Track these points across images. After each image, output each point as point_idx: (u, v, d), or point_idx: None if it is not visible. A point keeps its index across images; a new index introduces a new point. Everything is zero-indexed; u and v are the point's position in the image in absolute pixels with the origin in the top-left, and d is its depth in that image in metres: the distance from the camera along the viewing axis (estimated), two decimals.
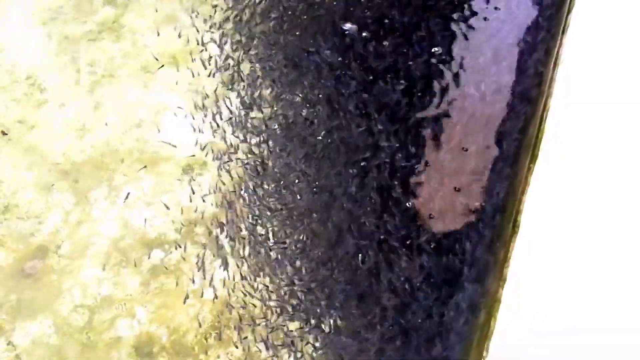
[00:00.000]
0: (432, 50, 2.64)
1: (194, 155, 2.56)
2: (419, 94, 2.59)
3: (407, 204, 2.42)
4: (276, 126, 2.60)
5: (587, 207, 1.95)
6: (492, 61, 2.53)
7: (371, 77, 2.60)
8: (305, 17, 2.74)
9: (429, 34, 2.69)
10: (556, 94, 2.10)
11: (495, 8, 2.63)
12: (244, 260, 2.42)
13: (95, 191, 2.53)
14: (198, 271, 2.40)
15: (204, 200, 2.50)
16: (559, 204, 1.97)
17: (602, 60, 2.14)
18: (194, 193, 2.51)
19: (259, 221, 2.47)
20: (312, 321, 2.33)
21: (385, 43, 2.64)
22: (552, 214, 1.96)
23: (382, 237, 2.40)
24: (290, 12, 2.76)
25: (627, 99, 2.06)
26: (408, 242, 2.38)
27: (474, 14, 2.64)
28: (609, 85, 2.10)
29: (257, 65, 2.69)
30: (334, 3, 2.74)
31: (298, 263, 2.40)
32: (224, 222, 2.47)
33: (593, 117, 2.07)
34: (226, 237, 2.45)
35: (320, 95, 2.58)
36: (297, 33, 2.73)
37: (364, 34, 2.64)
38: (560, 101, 2.08)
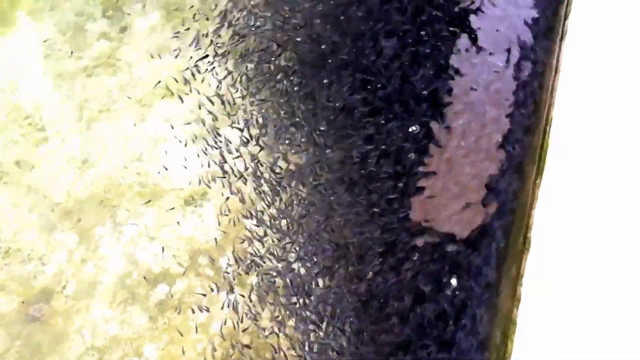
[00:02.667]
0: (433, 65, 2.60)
1: (195, 186, 2.53)
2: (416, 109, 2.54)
3: (413, 220, 2.37)
4: (276, 154, 2.56)
5: (599, 220, 1.88)
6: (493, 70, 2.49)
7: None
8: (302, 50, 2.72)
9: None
10: (558, 103, 2.04)
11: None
12: (250, 289, 2.38)
13: (98, 228, 2.51)
14: (204, 304, 2.36)
15: (206, 231, 2.47)
16: (569, 216, 1.91)
17: (601, 67, 2.09)
18: (196, 224, 2.48)
19: (264, 248, 2.42)
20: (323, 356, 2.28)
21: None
22: (562, 226, 1.90)
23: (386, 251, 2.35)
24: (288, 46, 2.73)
25: (628, 104, 2.01)
26: (415, 261, 2.32)
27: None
28: (610, 92, 2.05)
29: (255, 95, 2.65)
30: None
31: (307, 288, 2.35)
32: (228, 251, 2.43)
33: (596, 124, 2.01)
34: (231, 266, 2.41)
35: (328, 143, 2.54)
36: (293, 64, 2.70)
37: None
38: (563, 111, 2.03)
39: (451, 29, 2.57)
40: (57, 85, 2.74)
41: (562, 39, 2.23)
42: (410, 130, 2.48)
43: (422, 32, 2.62)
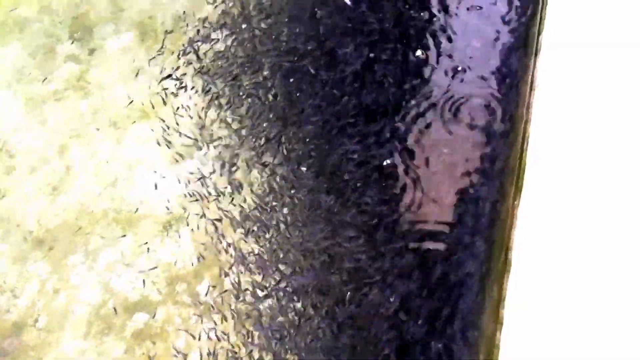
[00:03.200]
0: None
1: (172, 211, 2.47)
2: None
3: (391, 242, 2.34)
4: (254, 175, 2.52)
5: (580, 238, 1.87)
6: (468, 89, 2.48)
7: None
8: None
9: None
10: (534, 119, 2.03)
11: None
12: (231, 314, 2.33)
13: (72, 257, 2.44)
14: (183, 332, 2.30)
15: (184, 257, 2.41)
16: (550, 236, 1.89)
17: (577, 82, 2.09)
18: (174, 250, 2.42)
19: (243, 273, 2.37)
20: None
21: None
22: (544, 248, 1.88)
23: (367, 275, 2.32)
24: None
25: (606, 120, 2.01)
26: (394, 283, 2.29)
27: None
28: (587, 108, 2.04)
29: (228, 113, 2.61)
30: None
31: (289, 317, 2.30)
32: (207, 277, 2.38)
33: (574, 140, 2.01)
34: (209, 293, 2.36)
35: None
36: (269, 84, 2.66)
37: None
38: (539, 127, 2.01)
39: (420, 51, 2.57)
40: (27, 110, 2.68)
41: (536, 54, 2.22)
42: (384, 149, 2.45)
43: (394, 51, 2.61)
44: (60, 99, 2.69)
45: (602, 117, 2.02)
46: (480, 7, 2.61)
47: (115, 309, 2.32)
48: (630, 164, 1.96)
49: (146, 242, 2.43)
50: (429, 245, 2.26)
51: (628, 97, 2.06)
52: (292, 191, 2.45)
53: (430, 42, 2.61)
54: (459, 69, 2.52)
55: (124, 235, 2.44)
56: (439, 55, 2.56)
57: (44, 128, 2.65)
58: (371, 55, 2.60)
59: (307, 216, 2.40)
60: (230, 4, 2.79)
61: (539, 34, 2.24)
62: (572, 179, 1.95)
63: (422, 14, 2.66)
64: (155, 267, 2.38)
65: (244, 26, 2.75)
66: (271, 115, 2.57)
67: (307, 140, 2.51)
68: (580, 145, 2.00)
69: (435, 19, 2.64)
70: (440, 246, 2.24)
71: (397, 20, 2.69)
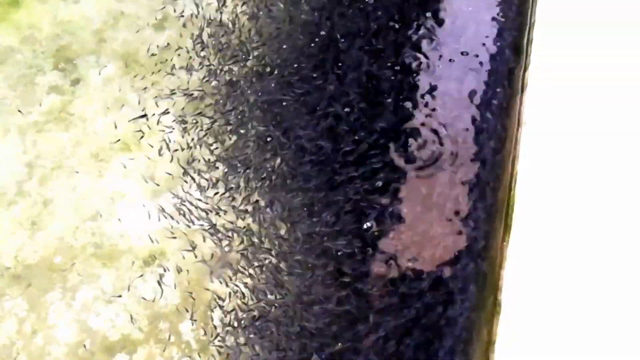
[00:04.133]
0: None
1: (154, 245, 2.41)
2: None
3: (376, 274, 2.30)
4: (239, 208, 2.47)
5: (572, 280, 1.84)
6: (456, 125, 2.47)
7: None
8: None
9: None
10: (522, 156, 2.02)
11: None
12: (217, 350, 2.26)
13: (49, 294, 2.36)
14: None
15: (166, 293, 2.35)
16: (541, 276, 1.87)
17: (563, 118, 2.08)
18: (155, 286, 2.36)
19: (226, 311, 2.31)
20: None
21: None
22: (535, 288, 1.85)
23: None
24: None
25: (592, 156, 2.00)
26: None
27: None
28: (573, 143, 2.04)
29: (212, 147, 2.58)
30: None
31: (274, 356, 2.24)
32: (190, 313, 2.31)
33: (561, 177, 1.99)
34: (192, 332, 2.29)
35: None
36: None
37: None
38: (527, 164, 2.00)
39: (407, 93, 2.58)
40: (7, 142, 2.61)
41: (523, 90, 2.22)
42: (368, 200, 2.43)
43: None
44: (41, 130, 2.64)
45: (589, 153, 2.02)
46: (467, 53, 2.63)
47: (92, 352, 2.23)
48: (619, 201, 1.95)
49: (128, 278, 2.36)
50: (416, 285, 2.22)
51: (614, 133, 2.06)
52: (279, 230, 2.40)
53: (414, 80, 2.61)
54: (443, 107, 2.52)
55: (105, 270, 2.37)
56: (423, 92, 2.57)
57: (24, 160, 2.59)
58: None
59: (293, 259, 2.35)
60: (214, 40, 2.78)
61: (525, 70, 2.24)
62: (562, 216, 1.94)
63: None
64: (137, 304, 2.31)
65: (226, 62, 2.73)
66: (256, 151, 2.54)
67: (292, 190, 2.48)
68: (568, 182, 1.99)
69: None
70: (427, 287, 2.21)
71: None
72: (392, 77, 2.63)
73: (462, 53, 2.61)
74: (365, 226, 2.31)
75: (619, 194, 1.97)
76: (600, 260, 1.86)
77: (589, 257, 1.88)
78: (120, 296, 2.33)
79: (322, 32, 2.75)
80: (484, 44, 2.61)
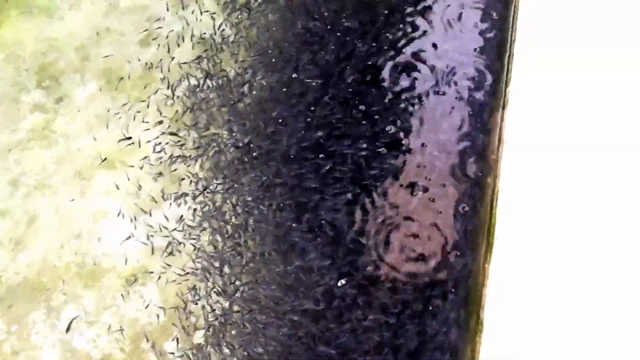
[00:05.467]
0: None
1: (136, 264, 2.40)
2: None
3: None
4: (220, 226, 2.46)
5: (554, 297, 1.84)
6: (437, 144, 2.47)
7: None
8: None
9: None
10: (503, 174, 2.02)
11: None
12: None
13: (32, 315, 2.34)
14: None
15: (149, 312, 2.33)
16: (522, 293, 1.86)
17: (545, 136, 2.09)
18: (138, 305, 2.34)
19: (210, 332, 2.29)
20: None
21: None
22: (517, 306, 1.84)
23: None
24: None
25: (574, 174, 2.00)
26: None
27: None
28: (555, 162, 2.04)
29: (196, 166, 2.57)
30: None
31: None
32: (172, 334, 2.30)
33: (543, 195, 1.99)
34: (177, 350, 2.27)
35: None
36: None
37: None
38: (508, 182, 2.00)
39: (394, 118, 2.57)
40: None
41: (504, 107, 2.22)
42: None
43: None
44: (24, 148, 2.63)
45: (571, 171, 2.02)
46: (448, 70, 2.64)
47: None
48: (601, 218, 1.95)
49: (110, 298, 2.34)
50: (398, 303, 2.21)
51: (597, 149, 2.06)
52: (259, 252, 2.39)
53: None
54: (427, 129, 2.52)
55: (88, 290, 2.35)
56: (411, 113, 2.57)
57: (6, 179, 2.57)
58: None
59: (275, 274, 2.34)
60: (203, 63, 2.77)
61: (506, 86, 2.24)
62: (544, 234, 1.93)
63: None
64: (119, 324, 2.29)
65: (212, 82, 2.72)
66: (239, 171, 2.53)
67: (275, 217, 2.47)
68: (550, 200, 1.99)
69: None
70: (410, 304, 2.20)
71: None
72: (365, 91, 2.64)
73: (442, 71, 2.61)
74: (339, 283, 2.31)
75: (601, 211, 1.97)
76: (582, 278, 1.86)
77: (571, 274, 1.88)
78: (102, 316, 2.31)
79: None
80: (463, 60, 2.62)
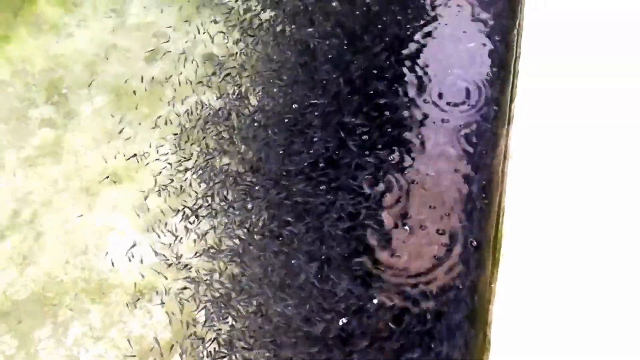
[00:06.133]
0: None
1: (143, 279, 2.40)
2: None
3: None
4: (229, 243, 2.47)
5: (562, 317, 1.83)
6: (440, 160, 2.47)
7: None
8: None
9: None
10: (509, 190, 2.02)
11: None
12: None
13: (39, 330, 2.35)
14: None
15: (156, 329, 2.33)
16: (529, 311, 1.85)
17: (551, 151, 2.09)
18: (145, 321, 2.34)
19: (217, 347, 2.29)
20: None
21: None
22: (524, 324, 1.83)
23: None
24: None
25: (580, 190, 1.99)
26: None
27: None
28: (561, 178, 2.03)
29: (203, 183, 2.58)
30: None
31: None
32: (178, 351, 2.29)
33: (549, 211, 1.99)
34: None
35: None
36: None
37: None
38: (515, 198, 2.00)
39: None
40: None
41: (509, 123, 2.22)
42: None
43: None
44: (33, 164, 2.64)
45: (578, 186, 2.02)
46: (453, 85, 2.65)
47: None
48: (610, 232, 1.94)
49: (117, 314, 2.35)
50: (404, 319, 2.20)
51: (601, 165, 2.06)
52: (266, 268, 2.40)
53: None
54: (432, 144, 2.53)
55: (94, 306, 2.35)
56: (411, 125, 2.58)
57: (15, 195, 2.59)
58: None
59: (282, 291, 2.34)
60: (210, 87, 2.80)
61: (511, 102, 2.25)
62: (551, 251, 1.93)
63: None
64: (126, 340, 2.29)
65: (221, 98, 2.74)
66: (248, 190, 2.54)
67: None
68: (557, 216, 1.98)
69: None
70: (416, 322, 2.19)
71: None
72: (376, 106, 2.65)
73: (448, 86, 2.62)
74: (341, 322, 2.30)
75: (610, 226, 1.96)
76: (593, 295, 1.85)
77: (578, 291, 1.87)
78: (109, 332, 2.31)
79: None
80: (468, 77, 2.63)
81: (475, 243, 2.17)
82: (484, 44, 2.72)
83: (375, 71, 2.77)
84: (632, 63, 2.21)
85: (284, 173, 2.57)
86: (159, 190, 2.56)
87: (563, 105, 2.16)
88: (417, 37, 2.82)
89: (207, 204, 2.54)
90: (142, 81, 2.80)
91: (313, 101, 2.66)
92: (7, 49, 2.89)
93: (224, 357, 2.27)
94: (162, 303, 2.36)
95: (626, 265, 1.88)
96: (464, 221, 2.30)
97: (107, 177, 2.60)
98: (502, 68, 2.60)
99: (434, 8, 2.85)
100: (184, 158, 2.62)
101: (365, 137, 2.59)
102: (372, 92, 2.70)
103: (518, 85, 2.25)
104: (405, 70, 2.72)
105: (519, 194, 2.03)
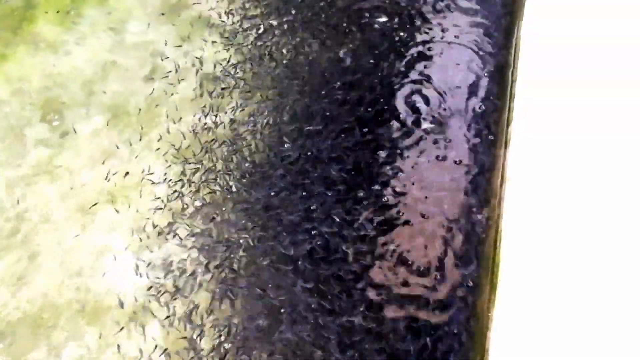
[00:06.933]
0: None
1: (139, 300, 2.38)
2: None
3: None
4: (225, 268, 2.46)
5: (559, 342, 1.82)
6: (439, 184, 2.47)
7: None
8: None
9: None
10: (506, 213, 2.02)
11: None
12: None
13: (33, 352, 2.32)
14: None
15: (150, 351, 2.31)
16: (527, 336, 1.84)
17: (548, 174, 2.09)
18: (140, 343, 2.32)
19: None
20: None
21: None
22: (521, 349, 1.82)
23: None
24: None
25: (578, 213, 2.00)
26: None
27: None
28: (559, 200, 2.03)
29: (198, 203, 2.57)
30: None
31: None
32: None
33: (548, 233, 1.99)
34: None
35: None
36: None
37: None
38: (512, 222, 2.00)
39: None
40: None
41: (506, 146, 2.23)
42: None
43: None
44: (29, 183, 2.63)
45: (576, 209, 2.02)
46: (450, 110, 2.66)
47: None
48: (609, 256, 1.94)
49: (112, 335, 2.33)
50: (402, 346, 2.19)
51: (600, 189, 2.06)
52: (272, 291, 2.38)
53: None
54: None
55: (90, 327, 2.33)
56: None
57: (10, 215, 2.58)
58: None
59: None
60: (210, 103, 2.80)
61: (508, 124, 2.25)
62: (549, 275, 1.92)
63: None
64: None
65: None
66: (246, 211, 2.54)
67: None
68: (554, 240, 1.98)
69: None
70: (413, 351, 2.18)
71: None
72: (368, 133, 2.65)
73: (445, 110, 2.63)
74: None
75: (610, 249, 1.96)
76: (589, 318, 1.84)
77: (577, 316, 1.86)
78: (104, 354, 2.29)
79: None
80: (467, 99, 2.64)
81: (471, 282, 2.16)
82: (481, 68, 2.73)
83: (370, 94, 2.78)
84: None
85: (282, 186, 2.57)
86: (155, 210, 2.55)
87: (560, 128, 2.17)
88: (414, 73, 2.83)
89: (205, 223, 2.53)
90: (140, 99, 2.80)
91: (308, 128, 2.67)
92: (5, 68, 2.89)
93: None
94: (158, 325, 2.34)
95: (624, 284, 1.87)
96: (460, 247, 2.30)
97: (103, 197, 2.59)
98: (499, 91, 2.61)
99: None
100: (181, 177, 2.61)
101: (358, 163, 2.60)
102: (364, 119, 2.71)
103: (515, 108, 2.26)
104: (399, 99, 2.73)
105: (517, 218, 2.03)
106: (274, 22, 2.97)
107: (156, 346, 2.31)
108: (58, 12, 2.96)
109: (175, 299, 2.39)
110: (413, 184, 2.45)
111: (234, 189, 2.58)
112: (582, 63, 2.29)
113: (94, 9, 3.03)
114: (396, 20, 2.93)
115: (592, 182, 2.07)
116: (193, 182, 2.60)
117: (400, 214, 2.40)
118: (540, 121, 2.21)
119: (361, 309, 2.27)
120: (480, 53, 2.79)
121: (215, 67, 2.88)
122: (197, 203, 2.57)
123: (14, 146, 2.72)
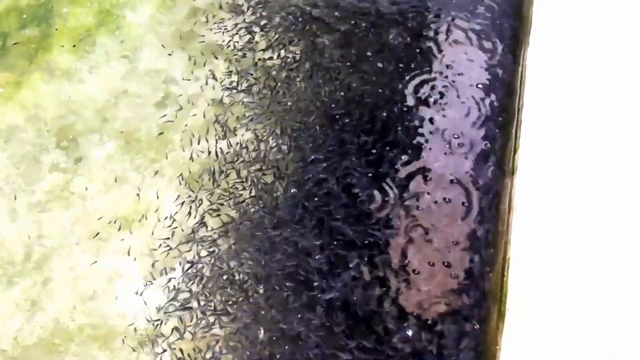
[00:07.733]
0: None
1: (150, 325, 2.41)
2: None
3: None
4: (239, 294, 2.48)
5: None
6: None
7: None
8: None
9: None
10: (514, 240, 2.03)
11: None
12: None
13: None
14: None
15: None
16: None
17: (555, 201, 2.11)
18: None
19: None
20: None
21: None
22: None
23: None
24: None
25: (587, 240, 2.01)
26: None
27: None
28: (566, 227, 2.05)
29: (212, 224, 2.61)
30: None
31: None
32: None
33: (556, 261, 2.00)
34: None
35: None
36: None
37: None
38: (520, 250, 2.01)
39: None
40: (9, 222, 2.66)
41: (513, 173, 2.25)
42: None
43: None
44: (43, 210, 2.68)
45: (584, 236, 2.03)
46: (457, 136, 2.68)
47: None
48: (613, 286, 1.94)
49: None
50: None
51: (608, 215, 2.07)
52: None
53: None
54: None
55: (101, 352, 2.36)
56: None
57: (25, 241, 2.62)
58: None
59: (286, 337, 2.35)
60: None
61: (514, 152, 2.28)
62: (556, 303, 1.93)
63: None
64: None
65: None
66: (254, 238, 2.57)
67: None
68: (561, 267, 1.99)
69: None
70: None
71: None
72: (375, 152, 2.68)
73: (453, 135, 2.66)
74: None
75: (616, 280, 1.97)
76: (599, 348, 1.85)
77: (586, 343, 1.87)
78: None
79: None
80: (473, 125, 2.67)
81: (477, 324, 2.17)
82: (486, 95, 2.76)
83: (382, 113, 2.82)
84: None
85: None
86: (168, 236, 2.59)
87: (567, 155, 2.18)
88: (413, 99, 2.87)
89: (216, 249, 2.56)
90: (152, 126, 2.85)
91: (318, 156, 2.71)
92: (21, 95, 2.96)
93: None
94: (170, 351, 2.36)
95: (635, 310, 1.87)
96: (468, 274, 2.31)
97: (116, 223, 2.63)
98: (505, 118, 2.63)
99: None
100: (193, 204, 2.65)
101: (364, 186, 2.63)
102: (372, 139, 2.74)
103: (522, 136, 2.28)
104: (407, 124, 2.77)
105: (524, 245, 2.05)
106: (284, 53, 3.02)
107: None
108: (74, 46, 3.05)
109: (187, 324, 2.41)
110: (417, 209, 2.47)
111: (246, 217, 2.61)
112: (592, 85, 2.30)
113: (107, 37, 3.11)
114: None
115: (600, 210, 2.09)
116: (204, 206, 2.64)
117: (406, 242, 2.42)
118: (548, 149, 2.23)
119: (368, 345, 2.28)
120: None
121: (226, 94, 2.93)
122: (209, 227, 2.60)
123: (29, 172, 2.78)
